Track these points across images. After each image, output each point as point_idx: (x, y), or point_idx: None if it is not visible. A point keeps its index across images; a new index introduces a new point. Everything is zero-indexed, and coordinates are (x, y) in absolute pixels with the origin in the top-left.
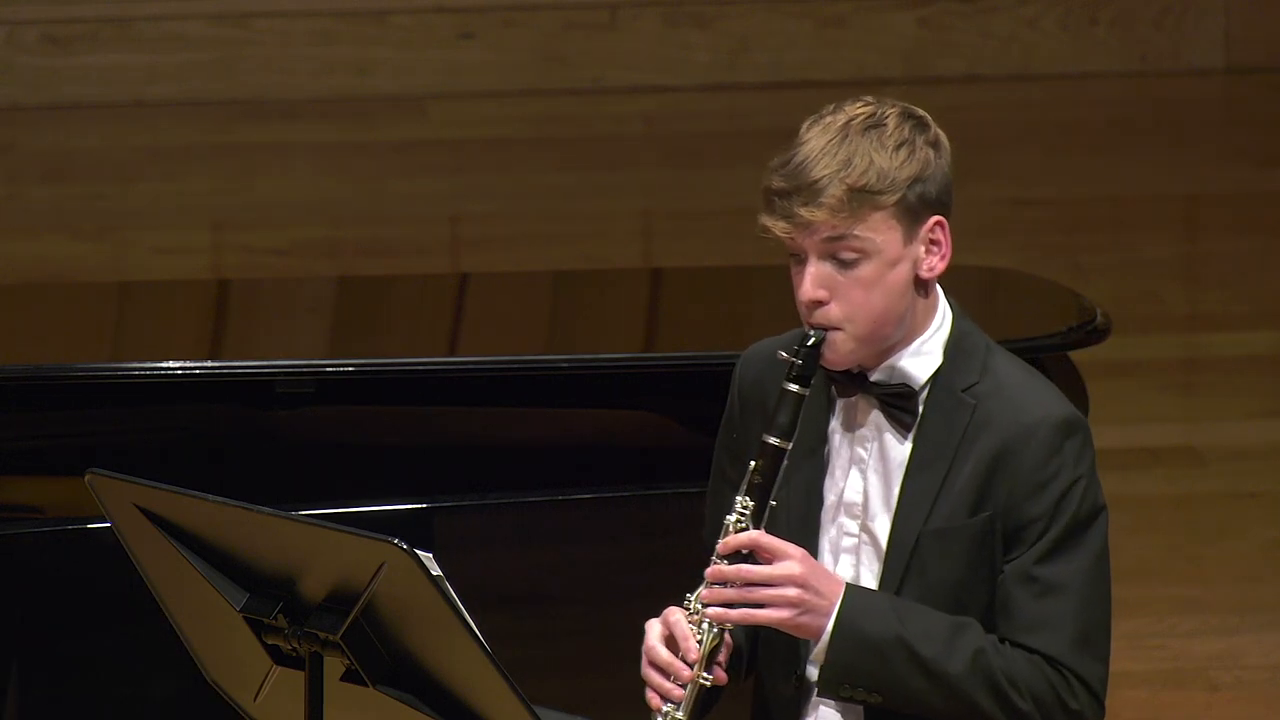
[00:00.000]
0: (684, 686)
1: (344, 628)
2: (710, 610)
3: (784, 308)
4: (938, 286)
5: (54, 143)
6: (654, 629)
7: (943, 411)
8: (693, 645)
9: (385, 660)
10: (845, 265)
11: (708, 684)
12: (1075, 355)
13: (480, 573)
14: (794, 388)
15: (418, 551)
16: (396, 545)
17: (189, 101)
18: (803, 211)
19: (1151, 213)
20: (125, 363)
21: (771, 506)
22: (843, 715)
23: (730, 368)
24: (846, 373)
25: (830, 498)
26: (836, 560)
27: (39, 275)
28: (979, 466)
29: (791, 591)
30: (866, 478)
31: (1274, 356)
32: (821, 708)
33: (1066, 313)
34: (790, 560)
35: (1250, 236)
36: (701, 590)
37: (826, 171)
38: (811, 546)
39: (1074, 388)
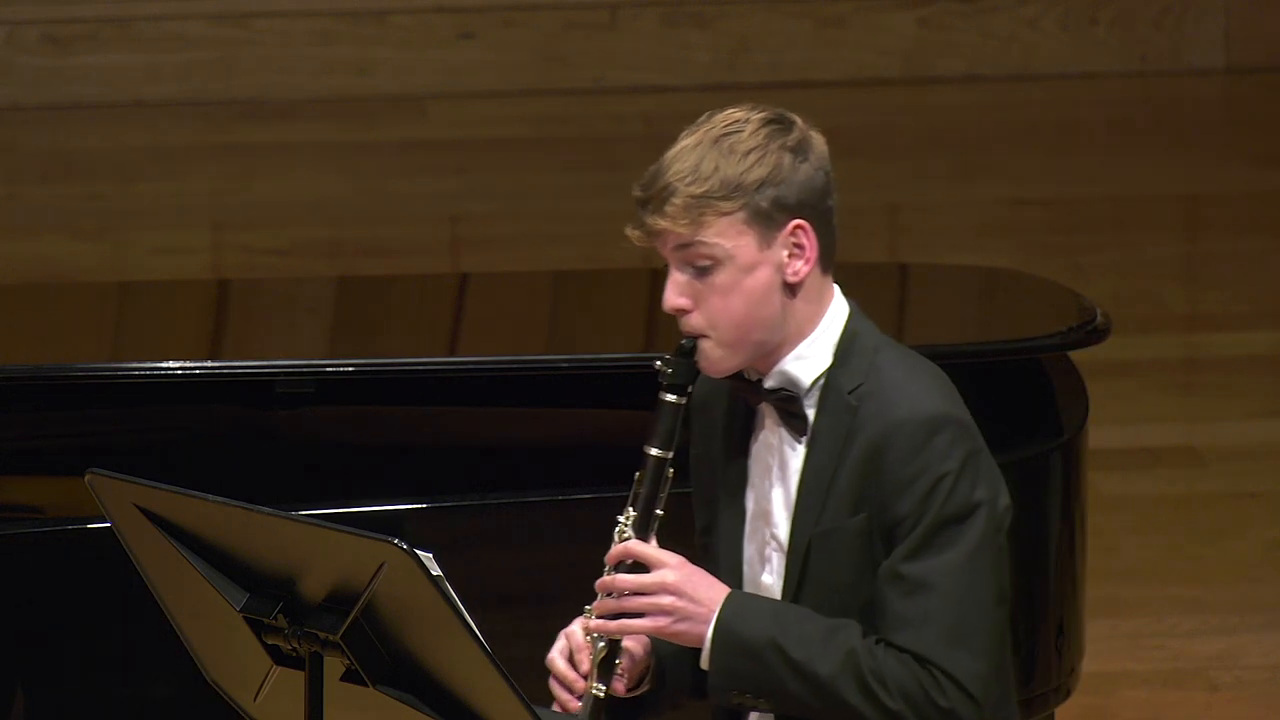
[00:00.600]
0: (581, 698)
1: (344, 628)
2: (592, 622)
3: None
4: (834, 287)
5: (54, 143)
6: (560, 641)
7: (830, 414)
8: (585, 656)
9: (385, 660)
10: (702, 273)
11: (601, 695)
12: (1075, 355)
13: (480, 573)
14: (670, 397)
15: (418, 551)
16: (396, 545)
17: (189, 101)
18: (649, 220)
19: (1151, 213)
20: (125, 363)
21: (658, 516)
22: None
23: None
24: (745, 380)
25: (751, 507)
26: (764, 569)
27: (39, 275)
28: (855, 467)
29: (666, 600)
30: (773, 484)
31: (1274, 356)
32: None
33: (1066, 313)
34: (666, 569)
35: (1250, 236)
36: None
37: (673, 180)
38: (737, 557)
39: (1074, 388)
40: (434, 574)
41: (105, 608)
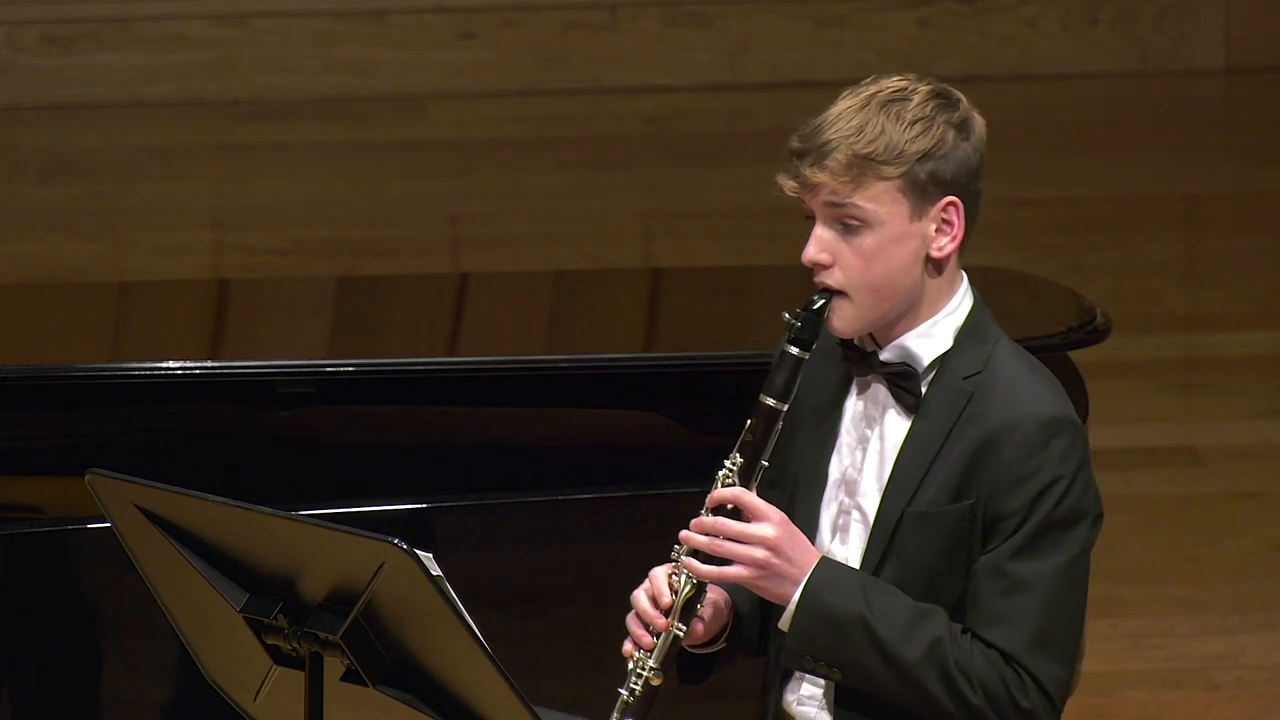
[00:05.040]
0: (658, 636)
1: (344, 628)
2: (685, 560)
3: (784, 307)
4: (961, 273)
5: (54, 143)
6: (645, 582)
7: (942, 396)
8: (667, 595)
9: (385, 660)
10: (849, 231)
11: (681, 634)
12: (1075, 355)
13: (480, 573)
14: (794, 350)
15: (418, 551)
16: (396, 545)
17: (189, 101)
18: (807, 172)
19: (1151, 213)
20: (125, 363)
21: (763, 467)
22: (818, 687)
23: (730, 367)
24: (859, 350)
25: (835, 474)
26: (834, 536)
27: (39, 275)
28: (965, 455)
29: (760, 553)
30: (867, 455)
31: (1274, 356)
32: (799, 680)
33: (1066, 313)
34: (766, 523)
35: (1250, 236)
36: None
37: (836, 136)
38: (813, 521)
39: (1074, 388)
40: (434, 574)
41: (105, 608)
